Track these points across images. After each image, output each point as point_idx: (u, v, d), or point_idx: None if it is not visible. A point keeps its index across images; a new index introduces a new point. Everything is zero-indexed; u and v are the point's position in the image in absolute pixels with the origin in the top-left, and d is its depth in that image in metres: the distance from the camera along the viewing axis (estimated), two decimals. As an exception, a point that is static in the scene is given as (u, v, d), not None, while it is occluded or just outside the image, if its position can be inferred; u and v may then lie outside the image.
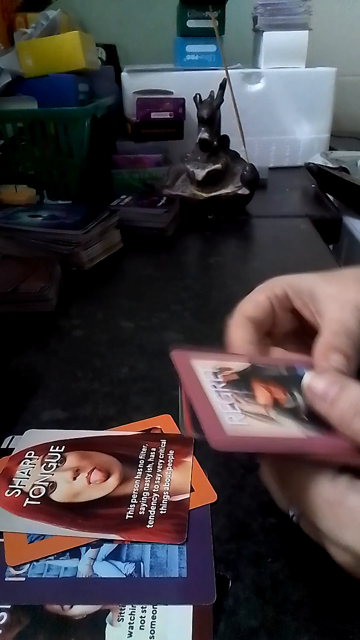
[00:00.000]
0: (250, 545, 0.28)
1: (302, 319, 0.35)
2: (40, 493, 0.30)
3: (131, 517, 0.29)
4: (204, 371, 0.30)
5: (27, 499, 0.30)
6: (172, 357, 0.31)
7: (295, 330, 0.36)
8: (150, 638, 0.23)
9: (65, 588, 0.25)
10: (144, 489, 0.30)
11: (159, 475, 0.32)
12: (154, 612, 0.24)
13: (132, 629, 0.23)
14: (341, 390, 0.25)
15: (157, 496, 0.30)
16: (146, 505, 0.29)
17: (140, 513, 0.29)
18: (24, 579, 0.26)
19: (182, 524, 0.28)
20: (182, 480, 0.31)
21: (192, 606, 0.24)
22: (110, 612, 0.24)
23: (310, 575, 0.26)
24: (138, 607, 0.24)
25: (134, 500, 0.30)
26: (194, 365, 0.31)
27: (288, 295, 0.35)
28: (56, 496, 0.30)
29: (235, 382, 0.29)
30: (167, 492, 0.30)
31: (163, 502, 0.30)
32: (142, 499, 0.30)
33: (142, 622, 0.24)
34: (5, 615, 0.24)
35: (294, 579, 0.26)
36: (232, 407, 0.27)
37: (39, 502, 0.30)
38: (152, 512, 0.29)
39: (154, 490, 0.30)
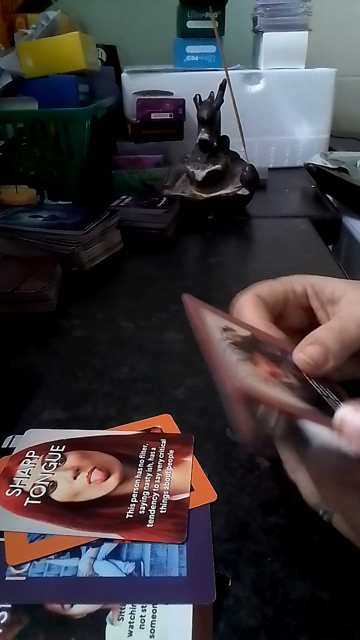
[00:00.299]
0: (250, 545, 0.28)
1: (314, 320, 0.35)
2: (40, 492, 0.30)
3: (131, 516, 0.29)
4: (213, 324, 0.30)
5: (28, 498, 0.30)
6: (185, 301, 0.31)
7: (303, 329, 0.36)
8: (150, 637, 0.23)
9: (65, 587, 0.25)
10: (144, 489, 0.31)
11: (159, 474, 0.32)
12: (154, 611, 0.24)
13: (132, 628, 0.24)
14: None
15: (157, 495, 0.30)
16: (146, 505, 0.29)
17: (140, 512, 0.29)
18: (24, 578, 0.26)
19: (182, 523, 0.28)
20: (182, 479, 0.31)
21: (192, 605, 0.24)
22: (111, 612, 0.24)
23: (310, 574, 0.26)
24: (138, 607, 0.24)
25: (134, 500, 0.30)
26: (203, 315, 0.30)
27: (307, 293, 0.35)
28: (57, 495, 0.30)
29: (239, 345, 0.29)
30: (167, 492, 0.30)
31: (163, 501, 0.30)
32: (142, 498, 0.30)
33: (142, 621, 0.24)
34: (5, 614, 0.24)
35: (293, 579, 0.26)
36: (240, 363, 0.26)
37: (39, 502, 0.30)
38: (152, 512, 0.29)
39: (154, 489, 0.30)
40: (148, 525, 0.28)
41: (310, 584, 0.26)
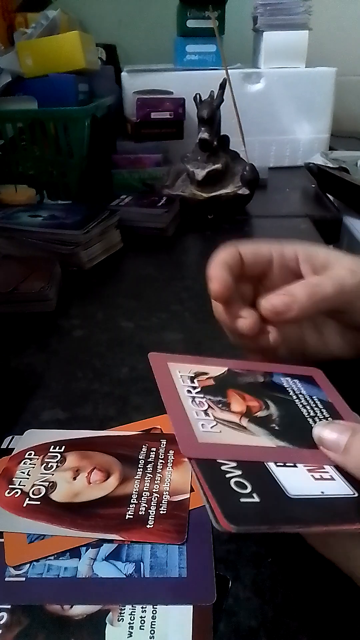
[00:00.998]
0: (250, 545, 0.27)
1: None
2: (40, 493, 0.30)
3: (131, 517, 0.29)
4: (180, 375, 0.30)
5: (27, 499, 0.30)
6: (150, 359, 0.31)
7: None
8: (150, 638, 0.23)
9: (65, 588, 0.25)
10: (144, 489, 0.30)
11: (159, 475, 0.31)
12: (154, 612, 0.24)
13: (132, 629, 0.23)
14: (352, 438, 0.25)
15: (157, 496, 0.30)
16: (146, 505, 0.29)
17: (140, 513, 0.29)
18: (24, 579, 0.26)
19: (182, 524, 0.28)
20: (182, 480, 0.31)
21: (192, 606, 0.24)
22: (110, 612, 0.24)
23: (309, 575, 0.26)
24: (138, 607, 0.24)
25: (133, 500, 0.30)
26: (171, 368, 0.30)
27: (298, 257, 0.36)
28: (56, 496, 0.30)
29: (210, 388, 0.29)
30: (167, 492, 0.30)
31: (163, 502, 0.30)
32: (142, 499, 0.30)
33: (142, 622, 0.24)
34: (5, 615, 0.24)
35: (293, 579, 0.26)
36: (206, 413, 0.27)
37: (38, 502, 0.30)
38: (152, 512, 0.29)
39: (154, 490, 0.30)
40: (148, 526, 0.28)
41: (310, 584, 0.25)
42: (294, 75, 1.05)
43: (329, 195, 0.89)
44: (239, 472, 0.23)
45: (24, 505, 0.30)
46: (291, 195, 0.94)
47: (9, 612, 0.24)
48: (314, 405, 0.30)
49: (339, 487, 0.24)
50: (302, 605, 0.25)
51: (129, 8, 1.32)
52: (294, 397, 0.31)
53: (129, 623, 0.24)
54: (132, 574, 0.26)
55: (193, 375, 0.30)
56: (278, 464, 0.24)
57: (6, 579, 0.26)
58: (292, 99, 1.06)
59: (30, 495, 0.30)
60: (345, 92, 1.24)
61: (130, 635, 0.23)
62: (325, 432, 0.26)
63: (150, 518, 0.29)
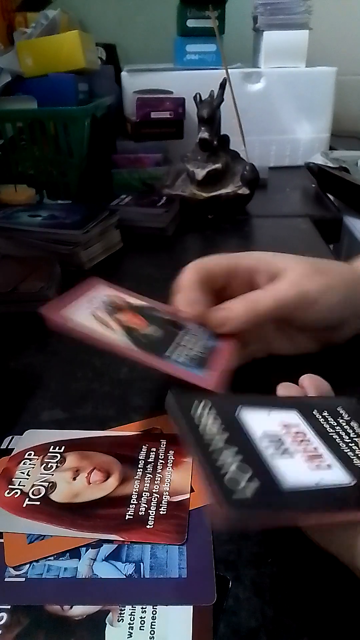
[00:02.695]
0: (250, 546, 0.27)
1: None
2: (40, 493, 0.30)
3: (131, 517, 0.29)
4: (100, 290, 0.38)
5: (27, 499, 0.30)
6: (87, 280, 0.40)
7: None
8: (150, 638, 0.23)
9: (65, 588, 0.25)
10: (144, 489, 0.30)
11: (159, 475, 0.31)
12: (154, 612, 0.24)
13: (132, 629, 0.23)
14: None
15: (157, 496, 0.30)
16: (146, 506, 0.29)
17: (140, 513, 0.29)
18: (23, 579, 0.26)
19: (182, 524, 0.28)
20: (182, 480, 0.31)
21: (192, 607, 0.24)
22: (110, 613, 0.24)
23: (310, 575, 0.26)
24: (138, 608, 0.24)
25: (133, 501, 0.30)
26: (98, 285, 0.39)
27: (254, 268, 0.39)
28: (56, 496, 0.30)
29: (115, 305, 0.37)
30: (167, 493, 0.30)
31: (163, 502, 0.30)
32: (142, 499, 0.30)
33: (142, 622, 0.24)
34: (5, 615, 0.24)
35: (294, 579, 0.26)
36: (88, 309, 0.35)
37: (38, 503, 0.30)
38: (152, 513, 0.29)
39: (154, 490, 0.30)
40: (148, 527, 0.28)
41: (310, 585, 0.25)
42: (294, 74, 1.05)
43: (329, 195, 0.88)
44: (238, 460, 0.23)
45: (24, 505, 0.30)
46: (291, 195, 0.94)
47: (8, 612, 0.24)
48: (193, 342, 0.36)
49: (336, 476, 0.24)
50: (302, 605, 0.25)
51: (129, 8, 1.32)
52: (183, 332, 0.37)
53: (129, 623, 0.24)
54: (132, 575, 0.26)
55: (111, 294, 0.39)
56: (274, 454, 0.24)
57: (6, 579, 0.26)
58: (292, 99, 1.06)
59: (30, 495, 0.30)
60: (346, 91, 1.23)
61: (130, 636, 0.23)
62: None
63: (150, 518, 0.29)
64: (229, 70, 0.81)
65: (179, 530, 0.28)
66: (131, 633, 0.23)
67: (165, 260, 0.67)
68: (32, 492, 0.30)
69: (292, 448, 0.25)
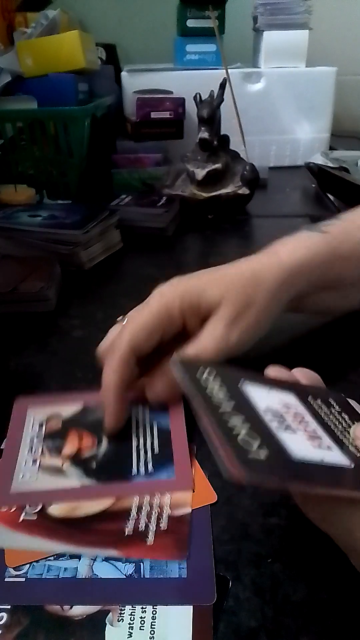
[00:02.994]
0: (250, 546, 0.27)
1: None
2: (37, 508, 0.30)
3: (130, 532, 0.28)
4: (33, 421, 0.34)
5: (24, 514, 0.29)
6: (14, 406, 0.36)
7: (186, 338, 0.36)
8: (150, 638, 0.23)
9: (65, 588, 0.25)
10: (144, 503, 0.30)
11: None
12: (154, 612, 0.24)
13: (132, 629, 0.23)
14: None
15: (157, 510, 0.29)
16: (146, 520, 0.28)
17: (139, 529, 0.28)
18: (23, 579, 0.26)
19: (183, 539, 0.27)
20: (183, 493, 0.30)
21: (192, 606, 0.24)
22: (110, 613, 0.24)
23: (310, 575, 0.26)
24: (138, 608, 0.24)
25: (133, 515, 0.29)
26: (28, 414, 0.35)
27: (183, 313, 0.36)
28: (53, 510, 0.29)
29: (55, 432, 0.34)
30: (168, 506, 0.29)
31: (163, 516, 0.29)
32: (142, 513, 0.29)
33: (142, 622, 0.24)
34: (5, 615, 0.24)
35: (294, 579, 0.26)
36: (34, 462, 0.32)
37: (35, 517, 0.29)
38: (152, 528, 0.28)
39: (155, 503, 0.29)
40: (147, 542, 0.27)
41: (310, 585, 0.25)
42: (294, 74, 1.05)
43: (329, 195, 0.88)
44: (247, 427, 0.23)
45: (20, 520, 0.29)
46: (291, 195, 0.94)
47: (8, 612, 0.24)
48: (148, 435, 0.34)
49: (336, 457, 0.24)
50: (302, 605, 0.25)
51: (129, 8, 1.32)
52: (134, 427, 0.34)
53: (129, 623, 0.24)
54: (132, 574, 0.26)
55: (45, 419, 0.35)
56: (279, 428, 0.24)
57: (6, 580, 0.26)
58: (292, 99, 1.06)
59: (27, 510, 0.29)
60: (346, 91, 1.23)
61: (130, 636, 0.23)
62: (358, 429, 0.27)
63: (150, 534, 0.28)
64: (229, 70, 0.82)
65: (180, 546, 0.27)
66: (131, 633, 0.23)
67: (165, 260, 0.67)
68: (29, 506, 0.30)
69: (293, 425, 0.25)
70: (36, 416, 0.35)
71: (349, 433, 0.27)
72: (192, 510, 0.29)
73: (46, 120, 0.79)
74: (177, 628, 0.23)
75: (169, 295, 0.36)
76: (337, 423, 0.27)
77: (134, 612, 0.24)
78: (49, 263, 0.57)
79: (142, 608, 0.24)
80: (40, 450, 0.33)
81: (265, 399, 0.26)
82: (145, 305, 0.36)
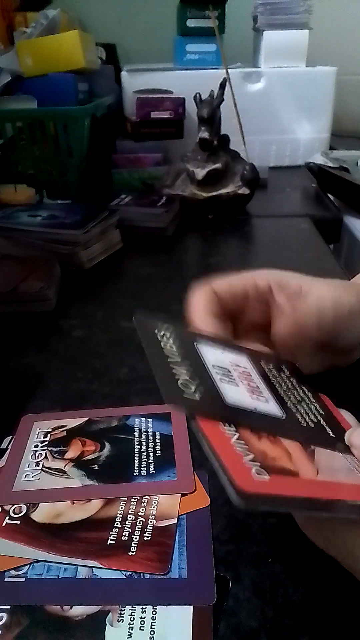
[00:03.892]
0: (250, 546, 0.27)
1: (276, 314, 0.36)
2: (21, 512, 0.29)
3: (113, 542, 0.27)
4: (38, 431, 0.36)
5: (7, 517, 0.29)
6: (21, 422, 0.36)
7: (266, 324, 0.36)
8: (150, 639, 0.23)
9: (65, 589, 0.25)
10: (129, 512, 0.29)
11: (146, 497, 0.30)
12: (154, 612, 0.24)
13: (132, 629, 0.23)
14: None
15: (142, 520, 0.28)
16: (130, 530, 0.28)
17: (123, 538, 0.27)
18: (23, 579, 0.26)
19: (166, 552, 0.27)
20: (170, 503, 0.30)
21: (192, 607, 0.24)
22: (110, 613, 0.24)
23: (310, 575, 0.26)
24: (138, 608, 0.24)
25: (117, 524, 0.28)
26: (34, 426, 0.36)
27: (271, 288, 0.35)
28: (37, 516, 0.29)
29: (59, 439, 0.35)
30: (154, 516, 0.29)
31: (148, 527, 0.28)
32: (127, 522, 0.28)
33: (142, 622, 0.24)
34: (5, 615, 0.24)
35: (294, 580, 0.26)
36: (37, 464, 0.32)
37: (18, 522, 0.29)
38: (136, 538, 0.27)
39: (140, 513, 0.29)
40: (130, 553, 0.27)
41: (310, 585, 0.25)
42: (294, 74, 1.05)
43: (329, 195, 0.88)
44: (190, 373, 0.26)
45: (3, 524, 0.28)
46: (291, 195, 0.94)
47: (8, 612, 0.24)
48: (150, 441, 0.34)
49: (271, 408, 0.27)
50: (302, 605, 0.25)
51: (129, 8, 1.32)
52: (137, 434, 0.35)
53: (129, 624, 0.24)
54: (132, 575, 0.26)
55: (50, 430, 0.36)
56: (222, 379, 0.27)
57: (6, 580, 0.26)
58: (292, 99, 1.06)
59: (11, 513, 0.29)
60: (346, 91, 1.23)
61: (130, 636, 0.23)
62: (353, 437, 0.27)
63: (133, 545, 0.27)
64: (229, 70, 0.82)
65: (163, 559, 0.26)
66: (131, 633, 0.23)
67: (165, 260, 0.67)
68: (13, 510, 0.29)
69: (237, 380, 0.28)
70: (42, 428, 0.36)
71: (293, 395, 0.30)
72: (192, 511, 0.29)
73: (46, 120, 0.79)
74: (177, 628, 0.23)
75: (260, 272, 0.36)
76: (282, 384, 0.30)
77: (134, 613, 0.24)
78: (48, 263, 0.57)
79: (142, 608, 0.24)
80: (43, 454, 0.33)
81: (215, 356, 0.29)
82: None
